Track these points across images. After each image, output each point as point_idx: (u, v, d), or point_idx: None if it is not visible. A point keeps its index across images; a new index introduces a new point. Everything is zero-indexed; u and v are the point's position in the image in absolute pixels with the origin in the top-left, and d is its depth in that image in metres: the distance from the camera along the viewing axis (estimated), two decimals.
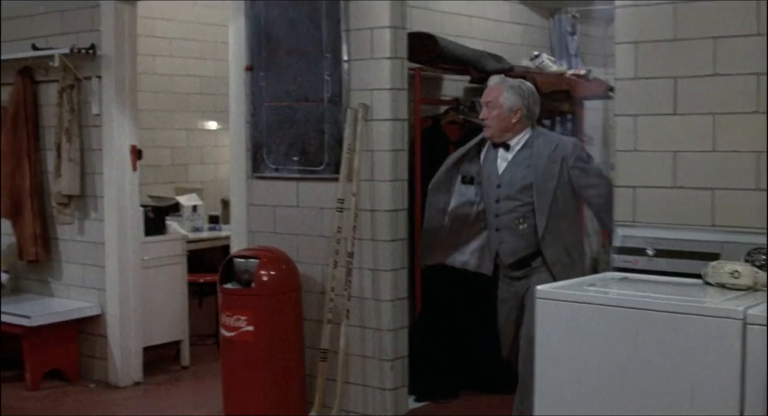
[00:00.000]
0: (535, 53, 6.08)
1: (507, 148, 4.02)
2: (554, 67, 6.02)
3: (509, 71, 5.38)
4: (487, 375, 5.16)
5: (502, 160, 4.03)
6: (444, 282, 5.06)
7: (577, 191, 3.98)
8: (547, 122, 5.79)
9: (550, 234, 3.93)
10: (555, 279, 3.82)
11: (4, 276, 5.87)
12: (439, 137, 5.25)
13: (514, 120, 3.96)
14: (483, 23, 6.12)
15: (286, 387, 4.53)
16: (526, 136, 4.01)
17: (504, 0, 6.36)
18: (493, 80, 4.08)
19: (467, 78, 5.60)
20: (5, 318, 5.51)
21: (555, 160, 3.95)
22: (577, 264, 4.05)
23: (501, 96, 3.97)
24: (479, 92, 5.06)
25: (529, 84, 4.11)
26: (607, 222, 3.78)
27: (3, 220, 5.97)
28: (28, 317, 5.43)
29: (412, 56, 4.80)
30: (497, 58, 5.55)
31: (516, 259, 4.02)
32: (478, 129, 5.07)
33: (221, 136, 7.15)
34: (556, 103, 5.88)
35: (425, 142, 5.17)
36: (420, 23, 5.32)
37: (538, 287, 3.14)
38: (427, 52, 5.08)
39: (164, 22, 6.98)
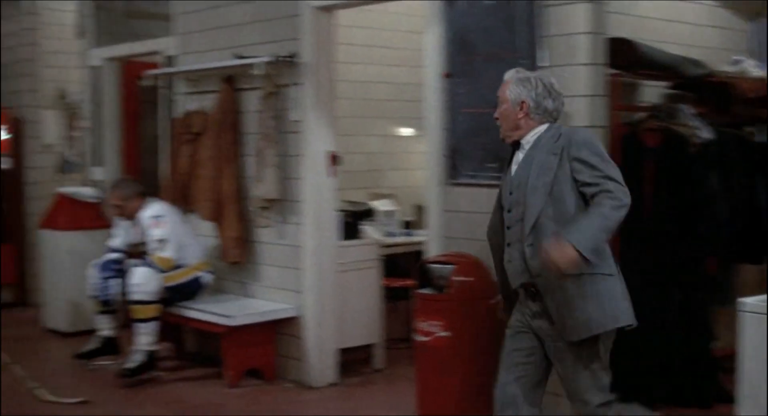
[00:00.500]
0: (737, 57, 5.76)
1: (518, 146, 3.62)
2: (757, 72, 5.67)
3: (708, 76, 5.11)
4: (683, 387, 4.94)
5: (515, 162, 3.62)
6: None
7: (580, 190, 3.39)
8: (751, 129, 5.48)
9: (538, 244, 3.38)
10: (551, 319, 3.41)
11: (210, 277, 6.11)
12: (637, 144, 5.05)
13: (519, 115, 3.55)
14: (680, 27, 5.84)
15: (479, 393, 4.46)
16: (539, 133, 3.56)
17: (702, 2, 6.07)
18: (507, 74, 3.68)
19: (666, 83, 5.37)
20: (208, 317, 5.73)
21: (555, 151, 3.45)
22: (598, 286, 3.39)
23: (507, 89, 3.60)
24: (678, 98, 4.83)
25: (546, 77, 3.67)
26: (586, 239, 3.20)
27: (208, 223, 6.21)
28: (229, 317, 5.62)
29: (609, 62, 4.64)
30: (696, 63, 5.29)
31: (521, 283, 3.54)
32: (677, 136, 4.87)
33: (414, 142, 7.18)
34: (761, 108, 5.54)
35: (622, 150, 4.99)
36: (616, 28, 5.14)
37: (745, 300, 2.87)
38: (624, 58, 4.90)
39: (361, 30, 7.09)
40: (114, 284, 6.01)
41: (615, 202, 3.28)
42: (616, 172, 3.36)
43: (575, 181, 3.39)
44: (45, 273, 7.44)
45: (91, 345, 6.19)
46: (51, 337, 7.19)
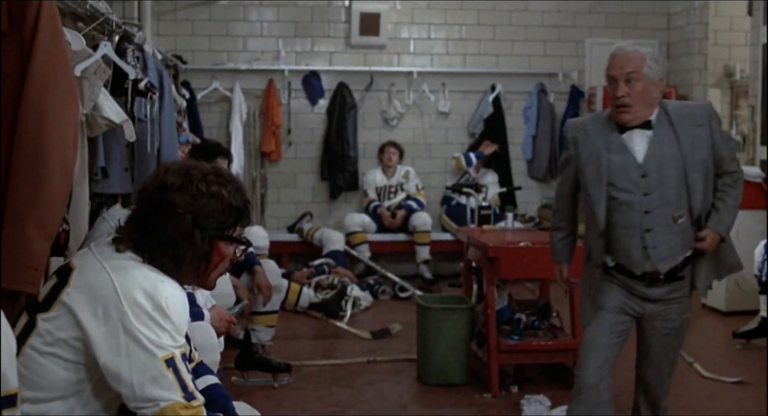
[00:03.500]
0: None
1: (648, 126, 3.51)
2: None
3: None
4: None
5: (639, 142, 3.50)
6: None
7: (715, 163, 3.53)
8: None
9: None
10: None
11: None
12: None
13: (656, 93, 3.49)
14: None
15: None
16: (657, 110, 3.54)
17: None
18: (625, 47, 3.52)
19: None
20: None
21: (701, 122, 3.50)
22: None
23: (644, 66, 3.45)
24: None
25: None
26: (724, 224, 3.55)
27: None
28: None
29: None
30: None
31: (672, 266, 3.55)
32: None
33: None
34: None
35: None
36: None
37: None
38: None
39: None
40: None
41: (742, 184, 3.62)
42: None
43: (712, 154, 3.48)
44: None
45: (752, 324, 6.11)
46: (708, 314, 7.24)
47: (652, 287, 3.58)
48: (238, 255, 2.50)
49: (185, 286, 2.39)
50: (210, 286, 2.51)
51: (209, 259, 2.40)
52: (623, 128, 3.52)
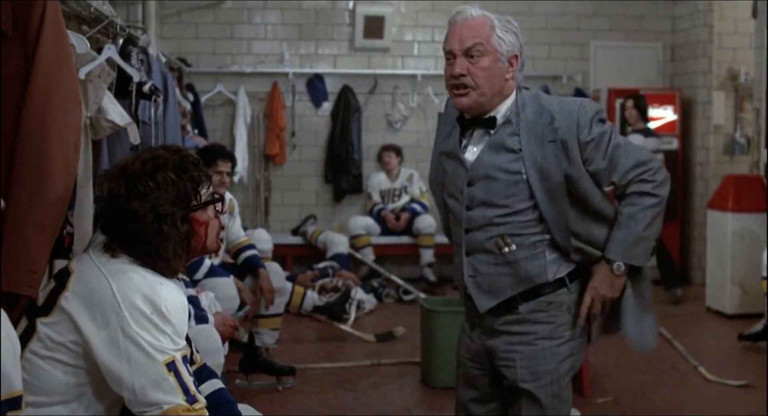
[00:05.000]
0: None
1: (490, 123, 2.72)
2: None
3: None
4: None
5: (478, 141, 2.75)
6: None
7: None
8: None
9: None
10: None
11: None
12: None
13: (509, 75, 2.69)
14: None
15: None
16: (511, 103, 2.72)
17: None
18: (466, 11, 2.73)
19: None
20: None
21: (551, 138, 2.62)
22: None
23: (493, 35, 2.66)
24: None
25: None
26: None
27: None
28: None
29: None
30: None
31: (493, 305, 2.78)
32: None
33: None
34: None
35: None
36: None
37: None
38: None
39: None
40: None
41: (651, 198, 2.74)
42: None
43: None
44: (709, 253, 7.50)
45: (758, 327, 6.10)
46: (713, 317, 7.23)
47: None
48: (220, 211, 2.48)
49: (189, 289, 2.39)
50: (213, 249, 2.50)
51: (193, 234, 2.39)
52: (467, 121, 2.82)
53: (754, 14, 7.82)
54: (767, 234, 6.35)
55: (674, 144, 8.56)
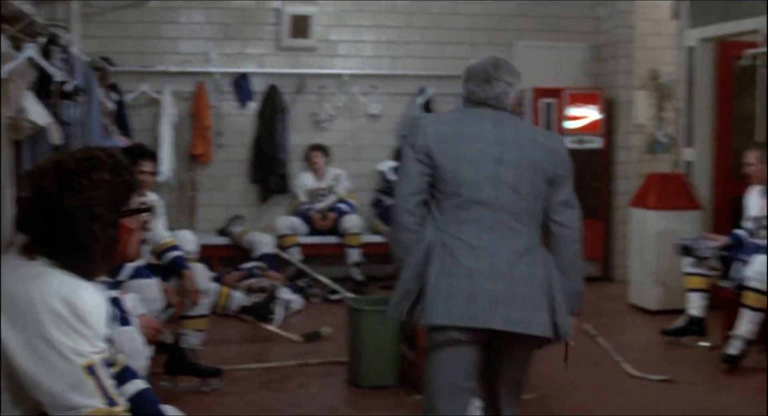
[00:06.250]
0: None
1: None
2: None
3: None
4: None
5: None
6: None
7: None
8: None
9: None
10: None
11: None
12: None
13: None
14: None
15: None
16: None
17: None
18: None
19: None
20: None
21: None
22: None
23: None
24: None
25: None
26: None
27: None
28: None
29: None
30: None
31: None
32: None
33: None
34: None
35: None
36: None
37: None
38: None
39: None
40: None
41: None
42: None
43: None
44: (632, 250, 7.64)
45: (680, 322, 6.23)
46: (636, 313, 7.37)
47: None
48: (144, 221, 2.44)
49: (113, 291, 2.34)
50: (131, 258, 2.45)
51: (117, 240, 2.35)
52: None
53: (675, 15, 7.99)
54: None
55: (598, 143, 8.69)
